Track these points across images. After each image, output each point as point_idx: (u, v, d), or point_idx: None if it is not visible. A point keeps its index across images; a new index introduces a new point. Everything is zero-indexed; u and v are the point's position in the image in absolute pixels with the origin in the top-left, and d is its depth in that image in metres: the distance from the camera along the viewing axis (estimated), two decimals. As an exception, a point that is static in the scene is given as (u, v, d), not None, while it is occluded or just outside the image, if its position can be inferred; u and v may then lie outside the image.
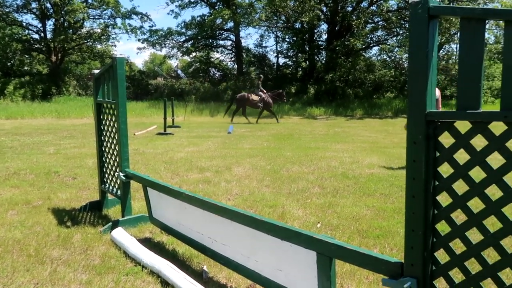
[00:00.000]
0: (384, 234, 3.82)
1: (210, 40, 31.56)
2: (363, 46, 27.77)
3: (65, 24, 28.43)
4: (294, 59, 30.29)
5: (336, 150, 9.13)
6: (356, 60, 26.30)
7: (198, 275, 3.04)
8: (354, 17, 25.57)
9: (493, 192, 1.53)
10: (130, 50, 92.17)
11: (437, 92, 6.70)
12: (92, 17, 30.10)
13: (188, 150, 9.16)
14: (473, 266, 1.72)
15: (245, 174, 6.53)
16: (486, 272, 1.56)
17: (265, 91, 17.37)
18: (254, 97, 17.00)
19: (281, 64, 31.11)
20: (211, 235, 2.98)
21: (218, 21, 27.94)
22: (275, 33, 30.56)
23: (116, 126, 4.18)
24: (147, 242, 3.69)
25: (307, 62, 28.94)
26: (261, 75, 20.91)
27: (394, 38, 27.41)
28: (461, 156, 1.60)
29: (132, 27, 30.46)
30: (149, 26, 35.38)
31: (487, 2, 22.69)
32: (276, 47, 31.18)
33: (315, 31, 28.70)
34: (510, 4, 22.57)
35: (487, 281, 1.58)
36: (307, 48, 28.53)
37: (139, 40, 30.87)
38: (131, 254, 3.35)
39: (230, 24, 29.30)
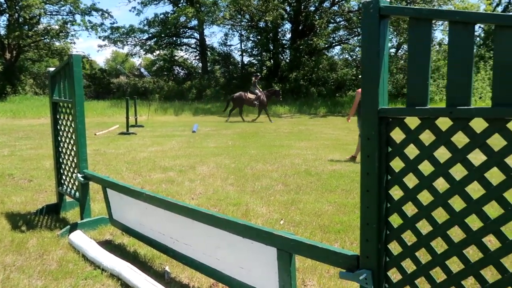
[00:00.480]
0: (345, 229, 3.92)
1: (174, 38, 31.18)
2: (326, 46, 28.29)
3: (20, 20, 27.15)
4: (259, 57, 30.44)
5: (300, 147, 9.26)
6: (319, 59, 26.79)
7: (160, 276, 3.00)
8: (316, 16, 26.02)
9: (446, 186, 1.60)
10: (91, 47, 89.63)
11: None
12: (49, 13, 28.97)
13: (151, 149, 9.00)
14: (427, 257, 1.80)
15: (209, 173, 6.49)
16: (435, 262, 1.63)
17: (261, 89, 17.39)
18: (250, 95, 16.98)
19: (246, 62, 31.20)
20: (172, 235, 2.94)
21: (182, 19, 27.62)
22: (239, 31, 30.60)
23: (73, 126, 4.05)
24: (107, 245, 3.60)
25: (272, 61, 29.18)
26: (258, 73, 20.83)
27: (355, 37, 28.10)
28: (416, 151, 1.66)
29: (92, 24, 29.55)
30: (110, 23, 34.65)
31: (441, 4, 23.68)
32: (241, 45, 31.27)
33: (279, 30, 28.98)
34: (463, 7, 23.65)
35: (437, 269, 1.65)
36: (272, 47, 28.76)
37: (100, 37, 30.05)
38: (90, 258, 3.25)
39: (194, 22, 29.07)
